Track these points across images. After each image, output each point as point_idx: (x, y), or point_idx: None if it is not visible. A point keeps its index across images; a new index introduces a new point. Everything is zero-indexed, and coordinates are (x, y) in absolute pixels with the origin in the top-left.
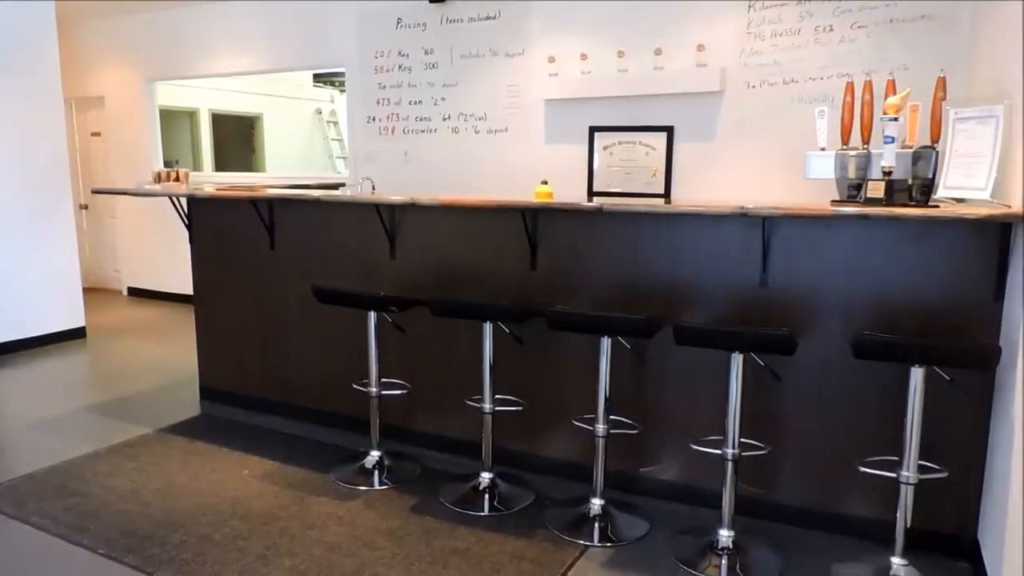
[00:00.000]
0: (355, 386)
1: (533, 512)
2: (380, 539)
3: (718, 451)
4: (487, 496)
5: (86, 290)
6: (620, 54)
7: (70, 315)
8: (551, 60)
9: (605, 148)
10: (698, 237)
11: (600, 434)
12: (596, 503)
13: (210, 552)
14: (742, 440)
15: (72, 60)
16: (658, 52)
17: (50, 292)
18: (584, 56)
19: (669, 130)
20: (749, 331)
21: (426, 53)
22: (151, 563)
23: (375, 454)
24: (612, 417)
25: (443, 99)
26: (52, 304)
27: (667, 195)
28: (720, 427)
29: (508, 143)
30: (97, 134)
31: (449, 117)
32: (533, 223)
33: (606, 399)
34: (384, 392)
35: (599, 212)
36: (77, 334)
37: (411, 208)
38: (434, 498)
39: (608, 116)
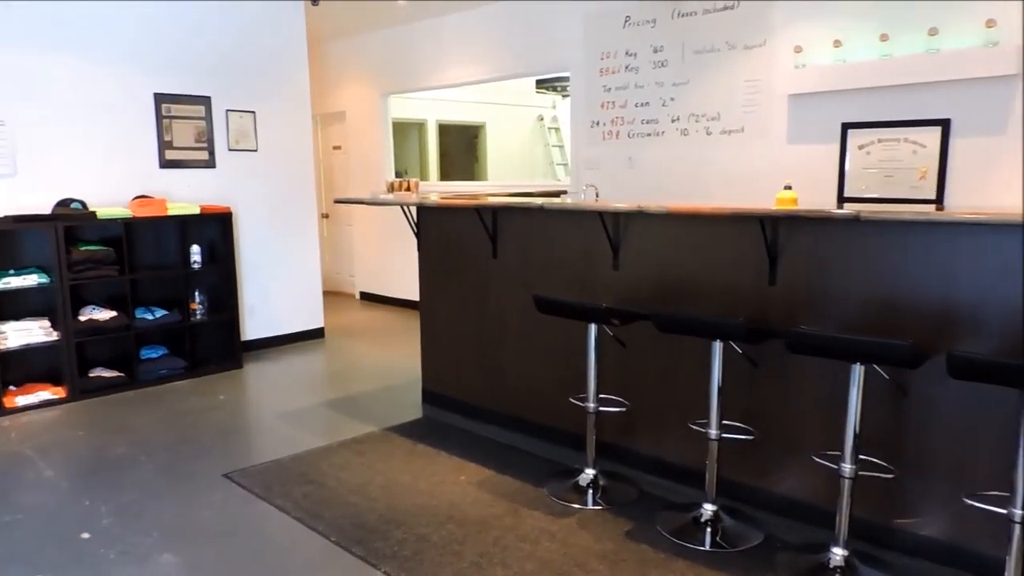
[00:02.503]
0: (572, 400)
1: (761, 554)
2: (593, 561)
3: (1002, 510)
4: (709, 530)
5: (324, 294)
6: (883, 38)
7: (311, 317)
8: (797, 50)
9: (861, 147)
10: (981, 251)
11: (846, 475)
12: (838, 553)
13: (428, 552)
14: None
15: (318, 79)
16: (932, 32)
17: (296, 295)
18: (838, 43)
19: (944, 124)
20: None
21: (655, 51)
22: (375, 556)
23: (590, 472)
24: (861, 457)
25: (672, 99)
26: (297, 306)
27: (939, 201)
28: (1006, 481)
29: (745, 144)
30: (338, 147)
31: (678, 118)
32: (773, 233)
33: (855, 436)
34: (601, 409)
35: (855, 220)
36: (316, 334)
37: (637, 216)
38: (650, 525)
39: (865, 110)
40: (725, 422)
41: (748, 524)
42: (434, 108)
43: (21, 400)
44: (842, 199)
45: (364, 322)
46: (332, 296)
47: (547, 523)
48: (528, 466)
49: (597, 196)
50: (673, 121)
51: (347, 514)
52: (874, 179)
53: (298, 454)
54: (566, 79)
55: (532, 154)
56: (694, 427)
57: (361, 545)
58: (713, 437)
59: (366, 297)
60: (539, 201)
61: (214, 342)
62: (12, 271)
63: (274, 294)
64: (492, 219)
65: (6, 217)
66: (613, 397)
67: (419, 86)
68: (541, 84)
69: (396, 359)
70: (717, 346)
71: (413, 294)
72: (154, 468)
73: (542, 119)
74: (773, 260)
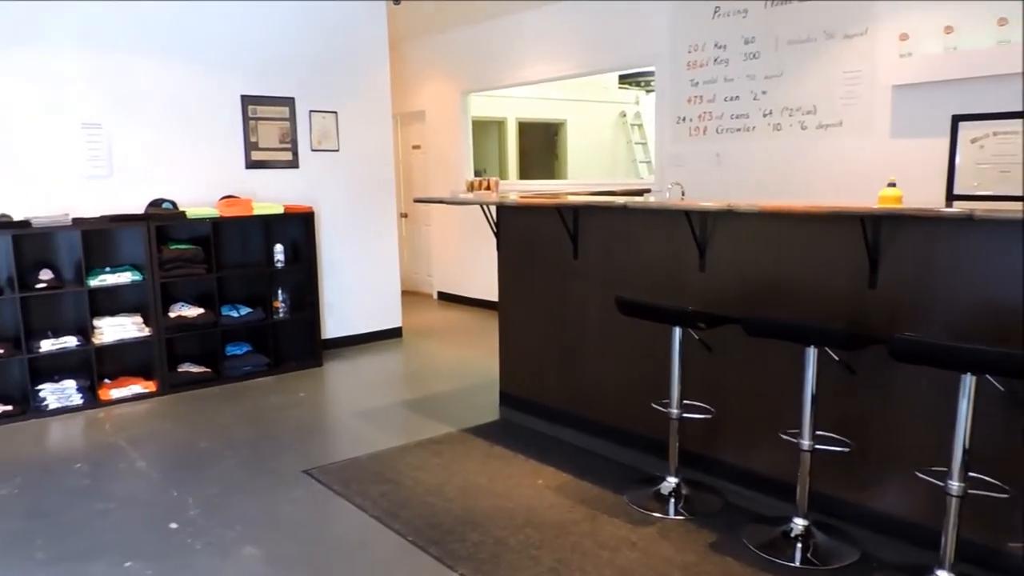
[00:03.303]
0: (654, 405)
1: (856, 573)
2: (674, 573)
3: None
4: (800, 545)
5: (402, 293)
6: (1001, 22)
7: (389, 316)
8: (903, 38)
9: (973, 141)
10: None
11: (954, 493)
12: None
13: (504, 556)
14: None
15: (399, 78)
16: None
17: (375, 295)
18: (948, 29)
19: None
20: None
21: (746, 42)
22: (451, 557)
23: (672, 480)
24: (971, 474)
25: (764, 92)
26: (376, 305)
27: None
28: None
29: (843, 139)
30: (417, 147)
31: (770, 113)
32: (875, 233)
33: (964, 451)
34: (685, 415)
35: (968, 220)
36: (394, 334)
37: (725, 216)
38: (735, 538)
39: (979, 101)
40: (819, 432)
41: (842, 541)
42: (514, 106)
43: (115, 393)
44: (952, 197)
45: (441, 322)
46: (410, 296)
47: (627, 531)
48: (607, 472)
49: (683, 195)
50: (765, 115)
51: (423, 514)
52: (988, 175)
53: (375, 453)
54: (650, 74)
55: (614, 152)
56: (785, 437)
57: (437, 546)
58: (806, 448)
59: (443, 297)
60: (622, 200)
61: (295, 340)
62: (108, 268)
63: (353, 293)
64: (573, 219)
65: (102, 217)
66: (697, 403)
67: (499, 83)
68: (624, 79)
69: (473, 360)
70: (811, 352)
71: (491, 294)
72: (237, 462)
73: (624, 115)
74: (874, 262)
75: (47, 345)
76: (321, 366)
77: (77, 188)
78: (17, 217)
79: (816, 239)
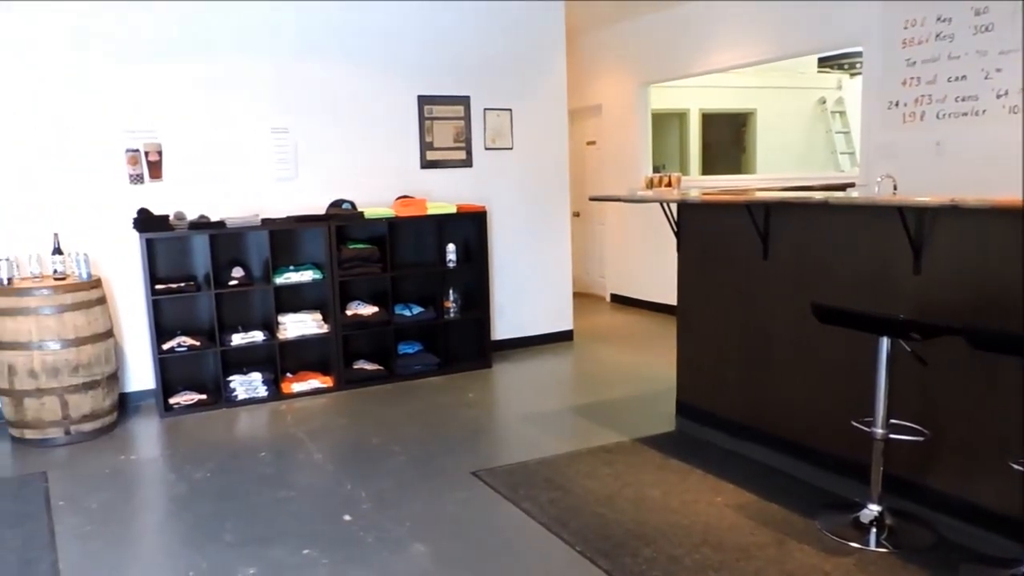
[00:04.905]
0: (855, 423)
1: None
2: None
3: None
4: None
5: (573, 295)
6: None
7: (560, 318)
8: None
9: None
10: None
11: None
12: None
13: (679, 575)
14: None
15: (574, 72)
16: None
17: (546, 296)
18: None
19: None
20: None
21: (977, 14)
22: (621, 571)
23: (873, 508)
24: None
25: (998, 70)
26: (547, 307)
27: None
28: None
29: None
30: (592, 143)
31: (1006, 93)
32: None
33: None
34: (892, 436)
35: None
36: (565, 336)
37: (948, 212)
38: None
39: None
40: None
41: None
42: (697, 96)
43: (296, 387)
44: None
45: (615, 326)
46: (581, 298)
47: (819, 560)
48: (796, 494)
49: (895, 189)
50: (999, 97)
51: (593, 524)
52: None
53: (544, 458)
54: (857, 55)
55: (810, 142)
56: (1017, 467)
57: (608, 559)
58: None
59: (617, 300)
60: (821, 196)
61: (465, 340)
62: (292, 267)
63: (524, 294)
64: (764, 217)
65: (288, 217)
66: (906, 423)
67: (682, 73)
68: (824, 62)
69: (648, 367)
70: None
71: (667, 297)
72: (408, 459)
73: (824, 102)
74: None
75: (237, 339)
76: (490, 367)
77: (266, 190)
78: (214, 218)
79: None
